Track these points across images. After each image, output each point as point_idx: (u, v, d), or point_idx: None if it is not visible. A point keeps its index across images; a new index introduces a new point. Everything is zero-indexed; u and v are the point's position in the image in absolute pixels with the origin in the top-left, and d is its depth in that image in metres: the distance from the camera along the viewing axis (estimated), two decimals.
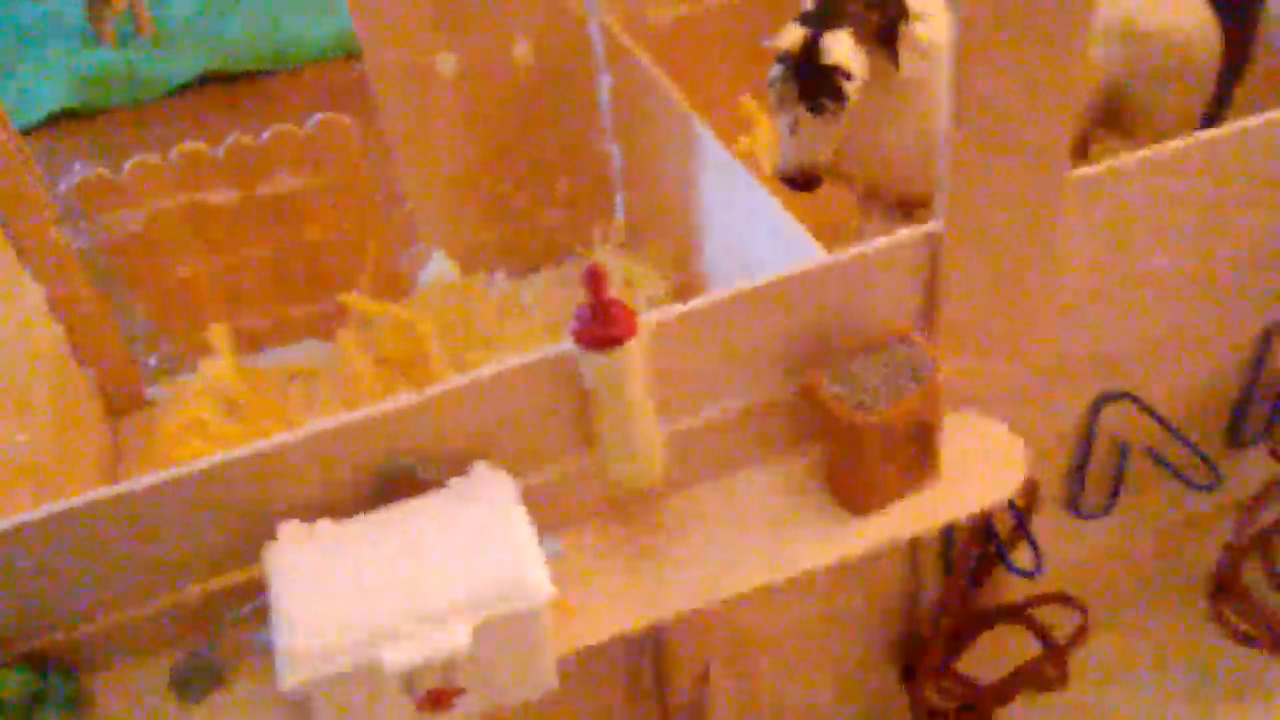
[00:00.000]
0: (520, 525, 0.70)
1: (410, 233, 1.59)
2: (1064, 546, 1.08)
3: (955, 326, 0.83)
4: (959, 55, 0.71)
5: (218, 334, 1.46)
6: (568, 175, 1.59)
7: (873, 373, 0.78)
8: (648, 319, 0.74)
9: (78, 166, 1.38)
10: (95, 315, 1.44)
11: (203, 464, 0.71)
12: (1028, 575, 0.89)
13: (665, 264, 1.48)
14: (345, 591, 0.66)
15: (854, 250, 0.79)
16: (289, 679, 0.63)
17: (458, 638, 0.65)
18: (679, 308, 0.76)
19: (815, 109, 1.10)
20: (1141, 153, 0.82)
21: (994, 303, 0.83)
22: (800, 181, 1.15)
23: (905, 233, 0.79)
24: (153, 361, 1.58)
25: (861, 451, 0.76)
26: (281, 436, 0.72)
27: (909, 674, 1.05)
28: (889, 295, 0.82)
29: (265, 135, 1.39)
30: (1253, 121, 0.85)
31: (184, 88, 2.16)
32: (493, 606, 0.66)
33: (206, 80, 2.18)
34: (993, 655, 1.05)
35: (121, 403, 1.49)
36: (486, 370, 0.74)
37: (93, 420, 1.42)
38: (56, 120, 2.11)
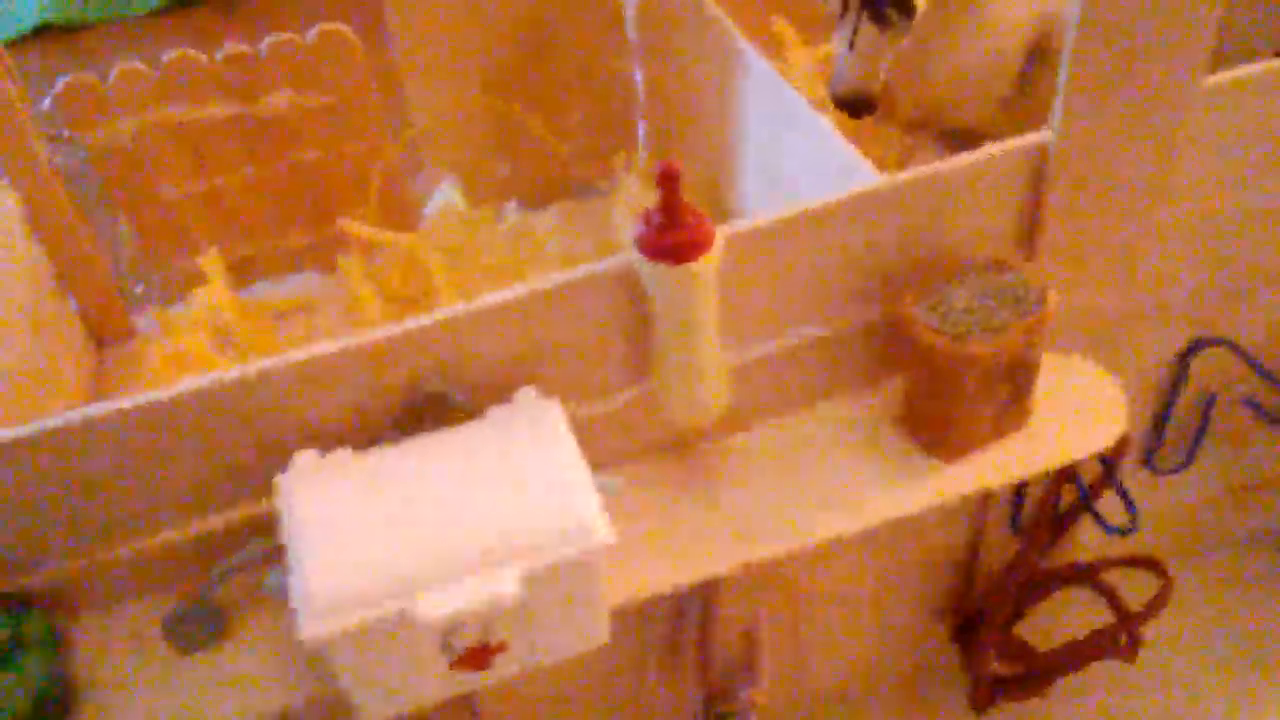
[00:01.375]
0: (573, 460, 0.60)
1: (418, 161, 1.48)
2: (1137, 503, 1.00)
3: (1056, 254, 0.74)
4: None
5: (210, 261, 1.35)
6: (586, 100, 1.48)
7: (969, 301, 0.69)
8: (723, 230, 0.64)
9: (60, 81, 1.27)
10: (79, 238, 1.33)
11: (204, 382, 0.61)
12: (1123, 533, 0.80)
13: (694, 197, 1.38)
14: (373, 531, 0.57)
15: (947, 163, 0.70)
16: (310, 630, 0.54)
17: (505, 586, 0.56)
18: (749, 222, 0.67)
19: (879, 20, 0.99)
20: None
21: (1101, 227, 0.74)
22: (856, 104, 1.05)
23: (1007, 143, 0.70)
24: (140, 289, 1.47)
25: (958, 389, 0.67)
26: (296, 353, 0.62)
27: (964, 635, 0.97)
28: (982, 216, 0.73)
29: (263, 45, 1.27)
30: None
31: (177, 1, 2.04)
32: (545, 551, 0.57)
33: None
34: (1051, 619, 0.97)
35: (108, 332, 1.39)
36: (534, 284, 0.65)
37: (77, 349, 1.32)
38: (40, 35, 1.98)
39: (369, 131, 1.37)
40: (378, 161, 1.40)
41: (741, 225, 0.66)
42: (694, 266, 0.61)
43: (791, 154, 1.13)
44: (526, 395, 0.64)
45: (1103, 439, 0.73)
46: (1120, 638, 0.90)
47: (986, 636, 0.92)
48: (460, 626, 0.57)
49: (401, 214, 1.44)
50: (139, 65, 1.28)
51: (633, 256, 0.63)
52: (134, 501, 0.64)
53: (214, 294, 1.33)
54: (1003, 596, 0.89)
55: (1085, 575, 0.92)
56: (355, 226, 1.37)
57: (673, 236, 0.60)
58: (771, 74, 1.12)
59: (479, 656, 0.60)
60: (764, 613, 0.84)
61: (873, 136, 1.31)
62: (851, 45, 1.03)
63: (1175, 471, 0.98)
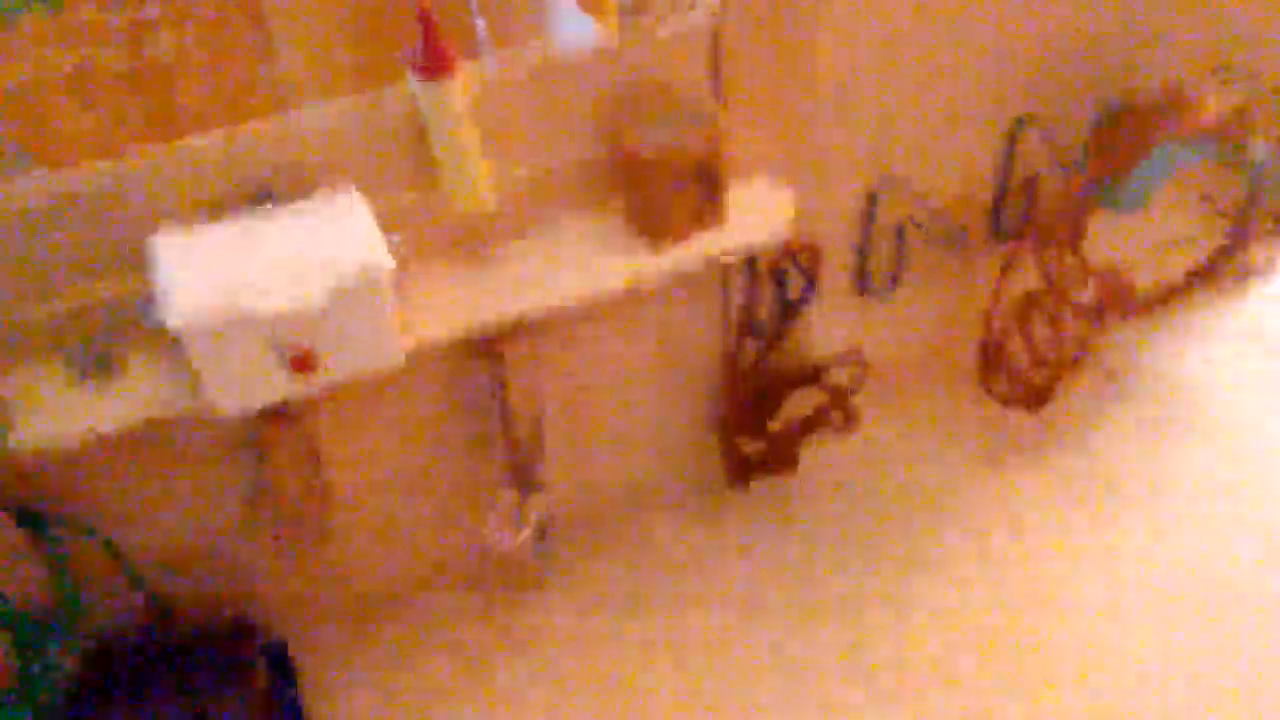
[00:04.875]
0: (365, 220, 0.84)
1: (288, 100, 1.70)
2: (855, 328, 1.27)
3: (740, 100, 1.00)
4: None
5: None
6: None
7: (669, 126, 0.94)
8: (468, 65, 0.89)
9: None
10: None
11: (82, 170, 0.84)
12: (796, 303, 1.06)
13: None
14: (221, 262, 0.80)
15: (639, 28, 0.95)
16: (174, 320, 0.77)
17: (314, 295, 0.79)
18: (497, 61, 0.92)
19: None
20: None
21: (766, 86, 1.00)
22: None
23: (689, 20, 0.96)
24: None
25: (653, 184, 0.93)
26: (154, 147, 0.85)
27: (723, 430, 1.22)
28: (683, 70, 0.98)
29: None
30: None
31: None
32: (343, 274, 0.80)
33: None
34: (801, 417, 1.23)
35: None
36: (340, 101, 0.88)
37: None
38: None
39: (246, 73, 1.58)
40: (252, 96, 1.61)
41: (484, 62, 0.91)
42: (447, 84, 0.85)
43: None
44: (336, 185, 0.88)
45: (778, 229, 0.99)
46: (835, 413, 1.17)
47: (732, 426, 1.17)
48: (286, 329, 0.81)
49: None
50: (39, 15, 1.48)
51: (408, 80, 0.87)
52: (35, 273, 0.86)
53: None
54: (739, 386, 1.15)
55: (813, 375, 1.19)
56: None
57: (430, 60, 0.85)
58: None
59: (305, 361, 0.83)
60: (550, 407, 1.09)
61: None
62: None
63: (885, 294, 1.25)
